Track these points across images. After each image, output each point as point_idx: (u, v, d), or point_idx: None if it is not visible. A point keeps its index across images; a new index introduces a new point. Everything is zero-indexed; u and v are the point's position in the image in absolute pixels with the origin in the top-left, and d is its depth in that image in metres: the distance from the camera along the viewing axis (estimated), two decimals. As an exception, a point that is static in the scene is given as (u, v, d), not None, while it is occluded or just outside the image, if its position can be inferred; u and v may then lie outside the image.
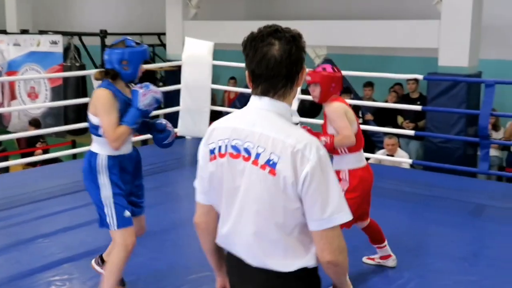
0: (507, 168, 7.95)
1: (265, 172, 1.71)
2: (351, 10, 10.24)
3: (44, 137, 9.36)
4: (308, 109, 8.68)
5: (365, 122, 8.66)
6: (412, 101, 8.50)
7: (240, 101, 10.46)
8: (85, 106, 3.78)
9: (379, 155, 7.21)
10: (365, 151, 7.38)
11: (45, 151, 8.66)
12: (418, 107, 6.89)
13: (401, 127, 8.35)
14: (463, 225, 4.86)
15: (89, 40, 11.58)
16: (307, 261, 1.77)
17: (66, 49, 10.99)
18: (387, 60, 10.44)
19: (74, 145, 8.84)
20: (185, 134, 7.55)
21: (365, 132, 8.29)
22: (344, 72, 8.63)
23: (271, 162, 1.71)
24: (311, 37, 9.23)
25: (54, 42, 10.93)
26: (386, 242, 3.89)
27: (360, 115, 8.79)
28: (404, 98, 8.76)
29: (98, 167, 3.10)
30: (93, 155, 3.12)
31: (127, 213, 3.12)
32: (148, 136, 8.03)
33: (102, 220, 3.16)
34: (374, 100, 9.23)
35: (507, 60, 9.25)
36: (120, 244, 3.12)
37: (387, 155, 7.12)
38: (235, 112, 1.89)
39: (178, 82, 7.66)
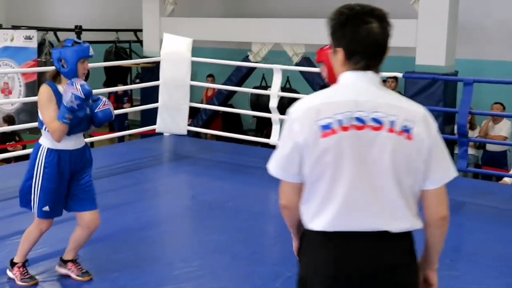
0: (483, 166, 8.06)
1: (402, 138, 1.79)
2: (329, 8, 10.22)
3: (19, 135, 9.22)
4: (287, 107, 8.68)
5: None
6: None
7: (218, 99, 10.42)
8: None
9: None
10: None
11: (21, 148, 8.52)
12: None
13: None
14: (442, 222, 4.89)
15: (64, 36, 11.42)
16: (418, 223, 1.86)
17: (41, 45, 10.84)
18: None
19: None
20: (163, 130, 7.49)
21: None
22: (319, 70, 8.67)
23: (406, 128, 1.79)
24: (289, 35, 9.32)
25: (28, 37, 10.77)
26: None
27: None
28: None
29: (37, 158, 3.32)
30: (36, 146, 3.36)
31: (46, 208, 3.34)
32: (125, 132, 7.98)
33: (26, 201, 3.40)
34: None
35: (482, 60, 9.38)
36: (35, 226, 3.47)
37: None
38: (332, 87, 1.91)
39: (155, 79, 7.60)
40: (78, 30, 11.15)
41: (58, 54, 3.26)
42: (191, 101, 7.36)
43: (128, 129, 10.84)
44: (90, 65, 8.44)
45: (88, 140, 7.50)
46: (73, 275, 3.59)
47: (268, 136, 8.47)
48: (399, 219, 1.81)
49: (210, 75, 11.12)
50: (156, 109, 7.42)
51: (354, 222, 1.81)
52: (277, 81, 6.82)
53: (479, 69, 9.12)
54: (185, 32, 9.63)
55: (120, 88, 9.42)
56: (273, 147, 7.21)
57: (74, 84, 3.20)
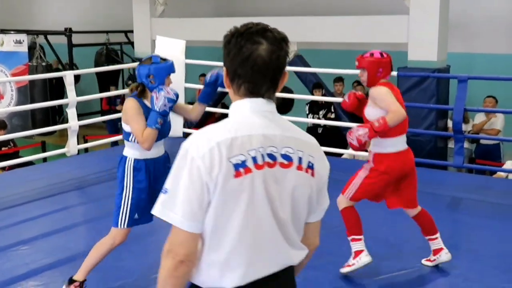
0: (477, 160, 8.13)
1: (308, 175, 1.70)
2: (321, 6, 10.30)
3: (13, 139, 9.18)
4: (281, 105, 8.71)
5: (334, 118, 8.75)
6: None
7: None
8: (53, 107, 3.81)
9: (353, 151, 7.27)
10: (338, 146, 7.56)
11: (15, 153, 8.48)
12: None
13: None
14: (441, 219, 4.92)
15: (54, 39, 11.40)
16: (305, 252, 1.80)
17: (31, 48, 10.79)
18: (357, 54, 10.52)
19: (44, 147, 8.68)
20: (159, 133, 7.49)
21: (338, 127, 8.41)
22: (314, 69, 8.74)
23: (310, 164, 1.70)
24: (282, 33, 9.33)
25: (19, 42, 10.71)
26: (438, 235, 3.89)
27: (333, 110, 8.87)
28: (373, 93, 8.87)
29: (125, 170, 3.42)
30: (123, 158, 3.46)
31: (136, 216, 3.44)
32: (119, 137, 7.97)
33: (115, 214, 3.45)
34: (344, 95, 9.31)
35: (473, 53, 9.45)
36: (113, 238, 3.45)
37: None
38: (230, 119, 1.70)
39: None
40: (69, 32, 11.11)
41: (147, 70, 3.35)
42: (184, 101, 7.38)
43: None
44: (83, 70, 8.45)
45: (83, 146, 7.51)
46: None
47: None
48: (298, 252, 1.75)
49: (203, 74, 11.12)
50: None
51: (266, 266, 1.67)
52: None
53: (470, 63, 9.19)
54: (176, 33, 9.63)
55: (114, 92, 9.35)
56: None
57: (163, 89, 3.32)
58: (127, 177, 3.41)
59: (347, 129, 8.40)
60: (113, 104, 10.92)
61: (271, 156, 1.64)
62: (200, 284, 1.68)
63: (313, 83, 9.01)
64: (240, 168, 1.60)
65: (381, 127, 3.47)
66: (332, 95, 9.25)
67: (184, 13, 11.12)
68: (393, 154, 3.65)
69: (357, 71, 7.17)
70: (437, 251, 3.90)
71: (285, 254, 1.71)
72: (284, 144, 1.67)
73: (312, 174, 1.71)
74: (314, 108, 8.92)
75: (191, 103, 11.40)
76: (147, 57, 3.48)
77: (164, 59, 3.46)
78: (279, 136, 1.67)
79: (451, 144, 7.80)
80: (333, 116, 8.83)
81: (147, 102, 3.42)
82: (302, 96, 8.49)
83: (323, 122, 8.50)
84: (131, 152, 3.43)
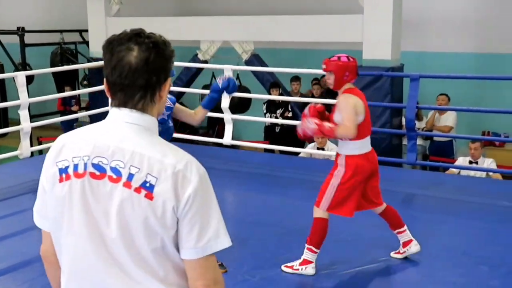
0: (430, 156, 8.31)
1: (140, 196, 1.49)
2: (278, 5, 10.35)
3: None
4: (237, 105, 8.74)
5: (292, 117, 8.81)
6: (337, 94, 8.70)
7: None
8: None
9: (309, 149, 7.35)
10: (296, 145, 7.62)
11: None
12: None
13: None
14: (395, 215, 5.05)
15: (6, 38, 11.16)
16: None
17: (-17, 48, 10.55)
18: (312, 53, 10.62)
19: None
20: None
21: (295, 126, 8.43)
22: (270, 69, 8.77)
23: (147, 185, 1.49)
24: (238, 32, 9.35)
25: (-30, 41, 10.45)
26: (405, 227, 4.00)
27: (290, 109, 8.93)
28: (329, 92, 8.96)
29: None
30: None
31: None
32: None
33: None
34: (301, 94, 9.39)
35: (426, 52, 9.64)
36: None
37: (318, 148, 7.27)
38: (90, 125, 1.65)
39: (103, 80, 7.46)
40: (21, 32, 10.88)
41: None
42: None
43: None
44: (38, 71, 8.26)
45: (37, 148, 7.38)
46: None
47: (219, 133, 8.54)
48: (140, 284, 1.53)
49: (160, 74, 11.05)
50: (106, 112, 7.31)
51: (88, 284, 1.56)
52: (228, 81, 6.85)
53: (423, 61, 9.38)
54: (132, 32, 9.56)
55: (71, 93, 9.19)
56: (226, 146, 7.27)
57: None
58: None
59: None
60: (68, 105, 10.74)
61: (98, 166, 1.53)
62: None
63: (270, 82, 9.05)
64: (63, 173, 1.56)
65: (328, 133, 3.67)
66: (289, 94, 9.31)
67: (140, 12, 11.02)
68: (362, 155, 3.74)
69: (314, 70, 7.29)
70: (406, 243, 4.01)
71: (117, 281, 1.53)
72: (115, 157, 1.53)
73: (148, 196, 1.49)
74: (272, 107, 8.97)
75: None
76: None
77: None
78: (113, 147, 1.54)
79: (405, 141, 7.95)
80: (290, 115, 8.89)
81: None
82: (259, 96, 8.52)
83: (279, 121, 8.55)
84: None
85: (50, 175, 1.58)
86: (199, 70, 9.96)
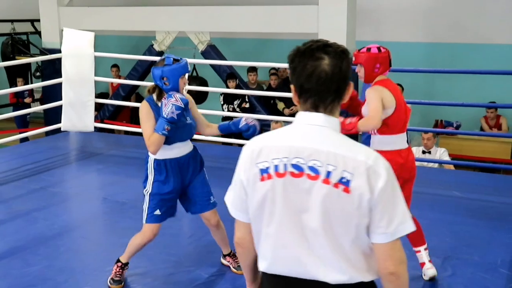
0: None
1: (339, 191, 1.72)
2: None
3: None
4: (194, 98, 8.69)
5: (249, 108, 8.82)
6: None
7: (124, 89, 10.25)
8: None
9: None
10: (253, 137, 7.60)
11: None
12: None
13: (281, 112, 8.62)
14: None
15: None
16: (368, 275, 1.81)
17: None
18: (269, 43, 10.64)
19: None
20: (69, 129, 7.29)
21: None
22: (227, 62, 8.73)
23: (344, 180, 1.72)
24: (194, 23, 9.28)
25: None
26: (425, 246, 3.76)
27: (247, 100, 8.93)
28: (286, 83, 9.00)
29: (147, 169, 3.57)
30: (146, 158, 3.59)
31: (157, 212, 3.56)
32: (30, 133, 7.71)
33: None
34: (258, 84, 9.40)
35: (380, 41, 9.72)
36: (143, 233, 3.63)
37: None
38: (281, 129, 1.87)
39: (56, 71, 7.37)
40: (-30, 22, 10.59)
41: (160, 72, 3.39)
42: (96, 90, 7.22)
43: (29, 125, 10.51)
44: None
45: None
46: (231, 267, 3.88)
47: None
48: (335, 271, 1.77)
49: (115, 65, 10.91)
50: (60, 107, 7.21)
51: (290, 268, 1.80)
52: (184, 75, 6.80)
53: (378, 51, 9.47)
54: (86, 23, 9.38)
55: (24, 87, 8.94)
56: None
57: (173, 96, 3.36)
58: (149, 176, 3.56)
59: (263, 120, 8.52)
60: (20, 97, 10.50)
61: (296, 166, 1.76)
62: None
63: (227, 74, 9.03)
64: (264, 173, 1.80)
65: (350, 127, 3.39)
66: (246, 85, 9.31)
67: (93, 2, 10.81)
68: (395, 151, 3.48)
69: (270, 64, 7.29)
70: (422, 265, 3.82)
71: (313, 266, 1.78)
72: (312, 157, 1.75)
73: (345, 190, 1.71)
74: (229, 98, 8.95)
75: (103, 94, 11.18)
76: (161, 58, 3.52)
77: (177, 59, 3.47)
78: (310, 149, 1.76)
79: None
80: (247, 105, 8.89)
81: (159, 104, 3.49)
82: (215, 89, 8.49)
83: (236, 114, 8.50)
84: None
85: (251, 175, 1.82)
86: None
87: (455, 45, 9.32)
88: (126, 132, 9.10)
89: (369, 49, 3.53)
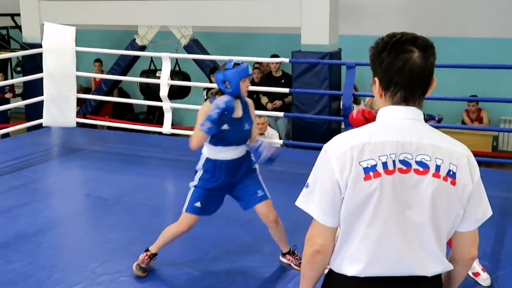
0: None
1: (447, 184, 1.73)
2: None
3: None
4: (177, 92, 8.68)
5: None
6: (277, 80, 8.77)
7: (107, 84, 10.18)
8: None
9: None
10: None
11: None
12: (286, 90, 7.14)
13: (265, 106, 8.62)
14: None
15: None
16: (448, 264, 1.84)
17: None
18: (252, 37, 10.62)
19: None
20: (51, 124, 7.23)
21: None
22: (209, 57, 8.69)
23: (451, 173, 1.73)
24: (176, 17, 9.23)
25: None
26: None
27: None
28: (268, 78, 8.99)
29: (199, 164, 3.69)
30: (199, 155, 3.70)
31: (198, 204, 3.65)
32: (11, 129, 7.64)
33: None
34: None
35: (363, 36, 9.76)
36: (179, 223, 3.71)
37: (258, 134, 7.30)
38: (372, 124, 1.81)
39: (37, 66, 7.30)
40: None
41: (222, 76, 3.53)
42: (78, 83, 7.17)
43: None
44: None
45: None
46: (292, 265, 3.89)
47: (160, 118, 8.45)
48: (434, 263, 1.79)
49: (97, 59, 10.83)
50: (41, 102, 7.14)
51: (390, 267, 1.77)
52: (166, 70, 6.78)
53: (360, 45, 9.41)
54: (67, 17, 9.29)
55: (4, 82, 8.81)
56: (166, 135, 7.21)
57: (216, 99, 3.49)
58: (198, 172, 3.67)
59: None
60: (1, 92, 10.39)
61: (404, 162, 1.73)
62: (330, 264, 1.86)
63: (210, 68, 9.00)
64: (369, 171, 1.72)
65: (353, 122, 3.51)
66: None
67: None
68: None
69: (253, 58, 7.25)
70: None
71: (416, 261, 1.77)
72: (420, 152, 1.73)
73: (452, 183, 1.73)
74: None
75: (86, 89, 11.09)
76: (224, 62, 3.64)
77: (238, 64, 3.58)
78: (416, 143, 1.73)
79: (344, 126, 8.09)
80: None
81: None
82: (198, 84, 8.48)
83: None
84: (205, 150, 3.66)
85: (351, 174, 1.72)
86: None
87: (437, 38, 9.30)
88: (109, 128, 9.05)
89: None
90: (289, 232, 4.19)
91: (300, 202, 1.84)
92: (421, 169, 1.73)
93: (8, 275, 3.80)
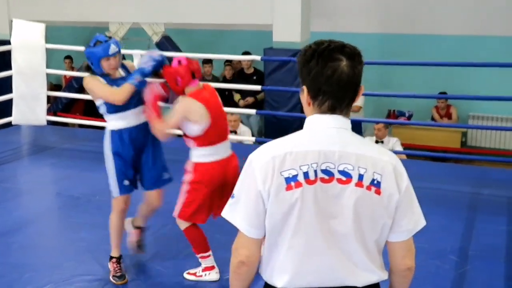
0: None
1: (371, 193, 1.71)
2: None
3: None
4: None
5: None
6: (248, 77, 8.78)
7: (78, 81, 10.07)
8: None
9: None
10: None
11: None
12: (258, 87, 7.19)
13: (237, 103, 8.64)
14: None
15: None
16: (383, 274, 1.81)
17: None
18: (224, 34, 10.62)
19: None
20: (20, 122, 7.12)
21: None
22: (180, 54, 8.67)
23: (375, 182, 1.71)
24: (148, 14, 9.18)
25: None
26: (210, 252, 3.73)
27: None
28: (240, 75, 9.00)
29: (104, 142, 3.59)
30: (104, 134, 3.61)
31: (126, 182, 3.60)
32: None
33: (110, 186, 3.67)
34: (214, 76, 9.38)
35: (335, 32, 9.83)
36: (115, 210, 3.68)
37: (230, 131, 7.31)
38: (297, 134, 1.77)
39: (6, 63, 7.19)
40: None
41: (86, 53, 3.47)
42: (48, 82, 7.08)
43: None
44: None
45: None
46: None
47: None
48: (365, 272, 1.76)
49: (68, 56, 10.72)
50: (10, 100, 7.04)
51: (317, 278, 1.75)
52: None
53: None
54: (37, 13, 9.17)
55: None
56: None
57: (152, 52, 3.51)
58: (106, 149, 3.59)
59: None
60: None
61: (326, 171, 1.70)
62: (262, 276, 1.84)
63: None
64: (291, 181, 1.70)
65: (151, 114, 3.50)
66: (202, 77, 9.27)
67: (44, -9, 10.57)
68: (213, 162, 3.52)
69: (223, 56, 7.26)
70: (208, 269, 3.73)
71: (344, 271, 1.74)
72: (342, 161, 1.71)
73: (377, 192, 1.71)
74: (184, 89, 8.90)
75: (57, 86, 10.97)
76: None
77: (101, 41, 3.47)
78: (339, 152, 1.71)
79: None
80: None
81: (101, 79, 3.52)
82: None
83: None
84: (108, 124, 3.59)
85: (273, 185, 1.69)
86: (109, 52, 9.72)
87: (408, 36, 9.48)
88: (80, 125, 8.96)
89: (179, 62, 3.49)
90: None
91: (225, 213, 1.81)
92: (343, 178, 1.71)
93: (-22, 276, 3.75)
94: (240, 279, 1.84)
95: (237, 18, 8.66)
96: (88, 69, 3.58)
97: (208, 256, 3.69)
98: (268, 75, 8.13)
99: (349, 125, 1.77)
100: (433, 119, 9.12)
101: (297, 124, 7.92)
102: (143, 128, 3.60)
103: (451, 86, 9.01)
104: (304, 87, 1.76)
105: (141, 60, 3.45)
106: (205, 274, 3.70)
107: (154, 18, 9.21)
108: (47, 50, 6.96)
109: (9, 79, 7.04)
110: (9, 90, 7.03)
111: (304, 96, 1.77)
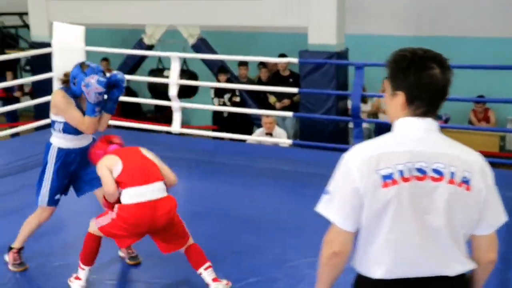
0: (375, 138, 8.47)
1: (462, 189, 1.87)
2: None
3: None
4: (185, 90, 8.68)
5: (239, 101, 8.83)
6: (285, 79, 8.78)
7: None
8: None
9: (258, 137, 7.41)
10: (243, 130, 7.65)
11: None
12: (294, 89, 7.19)
13: (273, 105, 8.65)
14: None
15: None
16: (472, 264, 1.96)
17: None
18: (260, 36, 10.65)
19: None
20: (60, 123, 7.26)
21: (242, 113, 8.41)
22: (216, 56, 8.71)
23: (465, 179, 1.87)
24: (184, 16, 9.26)
25: None
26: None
27: (237, 94, 8.94)
28: (276, 76, 9.00)
29: (49, 155, 3.77)
30: (48, 145, 3.80)
31: (58, 196, 3.83)
32: (21, 128, 7.68)
33: (37, 194, 3.84)
34: (249, 78, 9.41)
35: (369, 35, 9.78)
36: (37, 215, 3.87)
37: (266, 133, 7.34)
38: (389, 135, 1.94)
39: (46, 65, 7.34)
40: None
41: (73, 73, 3.66)
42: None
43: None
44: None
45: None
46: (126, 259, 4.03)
47: (168, 117, 8.51)
48: (456, 263, 1.91)
49: (105, 58, 10.87)
50: (48, 102, 7.17)
51: (413, 269, 1.90)
52: (175, 69, 6.81)
53: (367, 44, 9.52)
54: (75, 16, 9.33)
55: (13, 82, 8.86)
56: (175, 134, 7.23)
57: (91, 85, 3.56)
58: (49, 163, 3.76)
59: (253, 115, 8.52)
60: (10, 91, 10.45)
61: (420, 170, 1.86)
62: (357, 268, 1.98)
63: (218, 67, 9.03)
64: (387, 179, 1.86)
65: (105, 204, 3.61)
66: (237, 78, 9.32)
67: (83, -6, 10.74)
68: (134, 205, 3.41)
69: (258, 58, 7.27)
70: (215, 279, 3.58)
71: (437, 262, 1.90)
72: (435, 160, 1.87)
73: (467, 189, 1.87)
74: (219, 91, 8.96)
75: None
76: (87, 64, 3.75)
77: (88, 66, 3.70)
78: (431, 152, 1.88)
79: (352, 124, 8.10)
80: (238, 99, 8.91)
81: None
82: (205, 83, 8.50)
83: (226, 109, 8.48)
84: (56, 140, 3.77)
85: (370, 182, 1.85)
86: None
87: (443, 38, 9.36)
88: (116, 127, 9.08)
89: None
90: (294, 232, 4.22)
91: (321, 208, 1.95)
92: (436, 176, 1.86)
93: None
94: (331, 270, 1.96)
95: (273, 21, 8.68)
96: (63, 82, 3.75)
97: (84, 269, 3.63)
98: (303, 78, 8.13)
99: (438, 127, 1.93)
100: (470, 122, 9.00)
101: (332, 127, 7.91)
102: (85, 150, 3.79)
103: (489, 89, 8.88)
104: (401, 93, 1.91)
105: (88, 95, 3.57)
106: (73, 281, 3.64)
107: (190, 20, 9.29)
108: (85, 52, 7.07)
109: (49, 80, 7.18)
110: (50, 92, 7.17)
111: (398, 100, 1.92)
